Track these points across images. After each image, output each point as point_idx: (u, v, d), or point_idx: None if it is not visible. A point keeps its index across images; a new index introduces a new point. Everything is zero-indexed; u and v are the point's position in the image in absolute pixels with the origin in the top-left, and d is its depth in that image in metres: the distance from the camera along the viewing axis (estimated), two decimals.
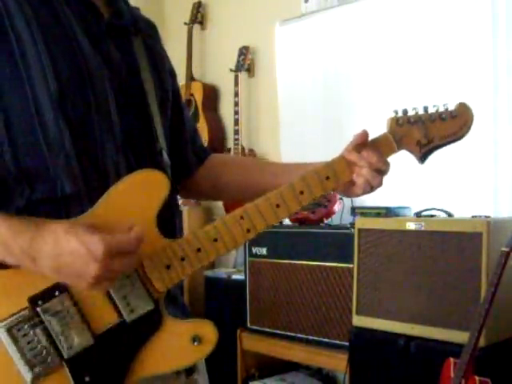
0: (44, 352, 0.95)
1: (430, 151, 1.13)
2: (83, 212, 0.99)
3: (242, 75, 3.64)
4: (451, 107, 1.11)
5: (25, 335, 0.94)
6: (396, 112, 1.13)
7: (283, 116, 3.51)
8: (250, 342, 2.98)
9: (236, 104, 3.58)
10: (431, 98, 2.82)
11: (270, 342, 2.89)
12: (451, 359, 1.88)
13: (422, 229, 2.18)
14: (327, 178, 1.10)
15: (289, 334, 2.80)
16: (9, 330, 0.94)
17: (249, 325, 2.97)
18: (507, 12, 2.59)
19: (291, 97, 3.47)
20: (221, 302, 3.18)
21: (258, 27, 3.65)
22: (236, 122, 3.59)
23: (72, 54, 1.00)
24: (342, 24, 3.20)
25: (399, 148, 1.12)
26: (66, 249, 0.90)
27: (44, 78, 0.97)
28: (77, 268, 0.90)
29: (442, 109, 1.11)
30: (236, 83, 3.59)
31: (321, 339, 2.67)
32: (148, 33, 1.21)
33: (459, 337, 1.98)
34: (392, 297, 2.26)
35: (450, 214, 2.42)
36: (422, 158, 1.13)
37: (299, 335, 2.76)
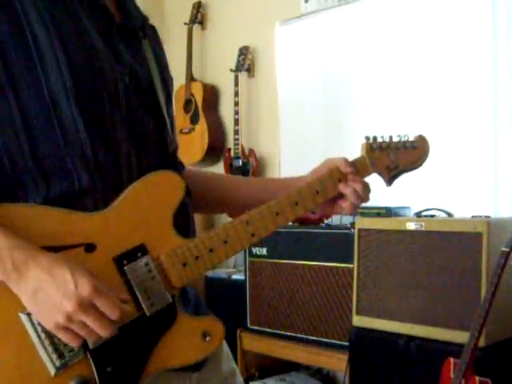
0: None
1: (396, 175, 1.26)
2: (96, 207, 1.01)
3: (242, 75, 3.65)
4: (411, 138, 1.25)
5: None
6: (368, 138, 1.25)
7: (283, 116, 3.51)
8: (250, 342, 2.98)
9: (236, 104, 3.58)
10: (431, 98, 2.82)
11: (269, 342, 2.89)
12: (451, 359, 1.88)
13: (422, 229, 2.18)
14: (317, 191, 1.20)
15: (289, 334, 2.80)
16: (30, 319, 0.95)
17: (249, 325, 2.97)
18: (507, 12, 2.60)
19: (291, 97, 3.48)
20: (221, 302, 3.18)
21: (258, 27, 3.65)
22: (236, 122, 3.59)
23: (86, 51, 1.02)
24: (341, 24, 3.20)
25: (373, 170, 1.23)
26: (56, 274, 0.90)
27: (59, 73, 0.99)
28: (53, 298, 0.90)
29: (404, 139, 1.25)
30: (236, 83, 3.59)
31: (321, 339, 2.67)
32: (152, 36, 1.24)
33: (459, 337, 1.98)
34: (392, 297, 2.26)
35: (449, 214, 2.42)
36: (390, 181, 1.25)
37: (299, 335, 2.76)
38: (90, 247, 0.99)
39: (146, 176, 1.05)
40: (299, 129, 3.41)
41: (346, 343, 2.42)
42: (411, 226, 2.21)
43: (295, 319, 2.78)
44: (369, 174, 1.23)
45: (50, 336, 0.95)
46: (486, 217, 2.23)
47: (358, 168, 1.23)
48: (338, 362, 2.55)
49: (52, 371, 0.96)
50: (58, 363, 0.96)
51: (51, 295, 0.90)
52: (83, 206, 1.01)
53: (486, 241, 2.01)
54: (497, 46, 2.62)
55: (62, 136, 1.00)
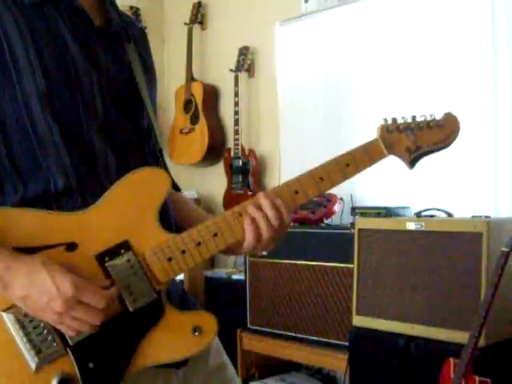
0: (49, 338, 0.98)
1: (419, 157, 1.18)
2: (74, 208, 1.03)
3: (242, 75, 3.65)
4: (438, 117, 1.17)
5: (31, 321, 0.97)
6: (386, 120, 1.18)
7: (283, 116, 3.51)
8: (250, 342, 2.98)
9: (236, 104, 3.58)
10: (431, 97, 2.82)
11: (269, 342, 2.89)
12: (451, 359, 1.88)
13: (422, 229, 2.18)
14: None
15: (289, 334, 2.80)
16: (16, 316, 0.97)
17: (249, 325, 2.97)
18: (507, 12, 2.60)
19: (291, 97, 3.48)
20: (221, 302, 3.18)
21: (258, 27, 3.65)
22: (236, 122, 3.59)
23: (60, 56, 1.05)
24: (342, 24, 3.20)
25: (389, 153, 1.17)
26: (37, 282, 0.93)
27: (33, 78, 1.02)
28: (42, 302, 0.93)
29: (429, 118, 1.17)
30: (236, 83, 3.59)
31: (321, 339, 2.67)
32: (139, 39, 1.26)
33: (459, 337, 1.98)
34: (392, 297, 2.26)
35: (450, 214, 2.42)
36: (412, 163, 1.18)
37: (299, 335, 2.76)
38: (71, 246, 1.01)
39: (130, 173, 1.06)
40: (299, 129, 3.42)
41: (346, 343, 2.42)
42: (411, 225, 2.21)
43: (295, 319, 2.78)
44: (384, 156, 1.17)
45: (27, 333, 0.97)
46: (486, 217, 2.23)
47: (370, 152, 1.16)
48: (338, 362, 2.55)
49: (33, 367, 0.98)
50: (36, 359, 0.98)
51: (38, 301, 0.93)
52: (60, 207, 1.03)
53: (485, 241, 2.01)
54: (497, 46, 2.62)
55: (36, 140, 1.03)
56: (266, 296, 2.90)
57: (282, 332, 2.83)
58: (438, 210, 2.43)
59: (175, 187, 1.23)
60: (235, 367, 3.10)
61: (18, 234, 0.99)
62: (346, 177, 1.16)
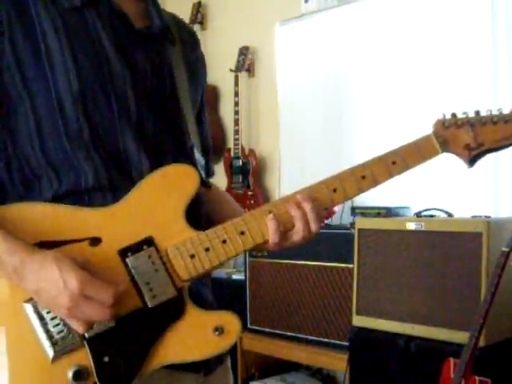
0: (66, 330, 0.99)
1: (480, 155, 1.10)
2: (106, 205, 1.05)
3: (242, 75, 3.65)
4: (505, 111, 1.08)
5: (49, 312, 0.99)
6: (444, 115, 1.11)
7: (283, 116, 3.52)
8: (250, 342, 2.98)
9: (236, 104, 3.58)
10: (431, 97, 2.82)
11: (269, 342, 2.89)
12: (451, 359, 1.88)
13: (422, 229, 2.18)
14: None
15: (289, 334, 2.80)
16: (35, 307, 1.00)
17: (249, 325, 2.97)
18: (507, 12, 2.60)
19: (291, 97, 3.48)
20: (221, 302, 3.17)
21: (258, 27, 3.65)
22: (236, 122, 3.59)
23: (95, 58, 1.08)
24: (342, 24, 3.20)
25: (444, 151, 1.10)
26: (46, 276, 0.95)
27: (67, 78, 1.05)
28: (52, 296, 0.95)
29: (495, 112, 1.08)
30: (236, 83, 3.59)
31: (321, 339, 2.67)
32: (187, 41, 1.28)
33: (459, 337, 1.98)
34: (392, 297, 2.26)
35: (450, 214, 2.42)
36: (471, 162, 1.10)
37: (299, 335, 2.76)
38: (95, 241, 1.02)
39: (159, 169, 1.07)
40: (299, 129, 3.42)
41: (346, 343, 2.42)
42: (411, 226, 2.21)
43: (295, 319, 2.78)
44: (437, 154, 1.10)
45: (45, 324, 0.99)
46: (486, 217, 2.23)
47: (421, 149, 1.10)
48: (338, 362, 2.55)
49: (50, 357, 0.99)
50: (53, 350, 0.99)
51: (49, 294, 0.95)
52: (91, 203, 1.06)
53: (485, 241, 2.01)
54: (497, 46, 2.62)
55: (68, 138, 1.06)
56: (266, 296, 2.90)
57: (282, 332, 2.83)
58: (438, 210, 2.43)
59: (204, 184, 1.22)
60: (235, 367, 3.09)
61: (44, 227, 1.02)
62: (391, 175, 1.10)
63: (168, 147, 1.14)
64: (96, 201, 1.06)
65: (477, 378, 1.81)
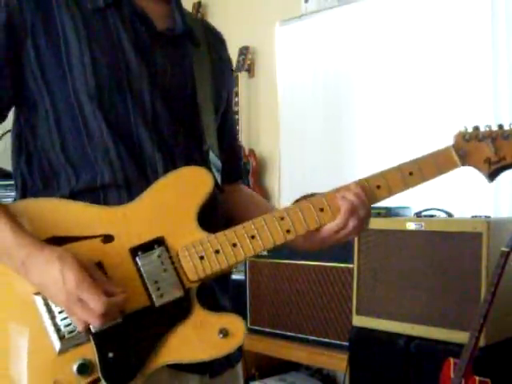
0: (73, 324, 1.01)
1: (501, 169, 1.09)
2: (120, 201, 1.07)
3: (242, 75, 3.64)
4: None
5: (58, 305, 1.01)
6: (465, 127, 1.10)
7: (283, 116, 3.51)
8: (250, 342, 2.98)
9: (236, 104, 3.58)
10: (431, 98, 2.82)
11: (269, 342, 2.89)
12: (451, 359, 1.88)
13: (422, 229, 2.18)
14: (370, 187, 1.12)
15: (289, 333, 2.80)
16: (45, 299, 1.02)
17: (249, 325, 2.97)
18: (507, 12, 2.60)
19: (291, 97, 3.47)
20: None
21: (258, 27, 3.65)
22: (236, 122, 3.58)
23: (114, 57, 1.10)
24: (342, 24, 3.20)
25: (464, 164, 1.10)
26: (48, 273, 0.98)
27: (84, 77, 1.08)
28: (52, 292, 0.99)
29: None
30: (236, 83, 3.59)
31: (321, 339, 2.67)
32: (213, 43, 1.29)
33: (459, 337, 1.98)
34: (392, 297, 2.26)
35: (450, 214, 2.42)
36: (491, 176, 1.09)
37: (299, 335, 2.76)
38: (107, 238, 1.05)
39: (173, 171, 1.09)
40: (299, 129, 3.41)
41: (346, 343, 2.42)
42: (411, 225, 2.21)
43: (295, 319, 2.78)
44: (456, 167, 1.11)
45: (53, 317, 1.02)
46: (486, 217, 2.23)
47: (440, 161, 1.11)
48: (338, 362, 2.54)
49: (56, 349, 1.01)
50: (59, 343, 1.01)
51: (49, 290, 0.98)
52: (107, 201, 1.08)
53: (485, 241, 2.01)
54: (497, 46, 2.62)
55: (86, 135, 1.09)
56: (265, 296, 2.90)
57: (282, 332, 2.83)
58: (438, 210, 2.43)
59: (218, 187, 1.22)
60: None
61: (58, 223, 1.05)
62: (407, 186, 1.11)
63: (183, 148, 1.15)
64: (111, 198, 1.08)
65: (477, 377, 1.81)
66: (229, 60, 1.36)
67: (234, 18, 3.81)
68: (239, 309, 2.97)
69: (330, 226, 1.10)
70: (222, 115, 1.31)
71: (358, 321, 2.36)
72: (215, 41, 1.32)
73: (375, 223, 2.36)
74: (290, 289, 2.79)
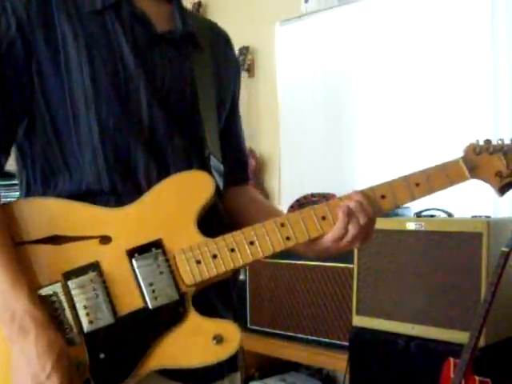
0: (66, 323, 1.00)
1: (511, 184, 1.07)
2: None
3: (242, 75, 3.63)
4: None
5: (53, 302, 1.01)
6: (477, 140, 1.09)
7: (283, 116, 3.51)
8: (250, 342, 2.98)
9: None
10: (431, 98, 2.82)
11: (269, 342, 2.89)
12: (451, 359, 1.89)
13: (422, 229, 2.18)
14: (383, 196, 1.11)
15: (289, 334, 2.80)
16: (40, 298, 1.01)
17: (249, 325, 2.97)
18: (507, 12, 2.60)
19: (291, 97, 3.47)
20: None
21: (258, 27, 3.65)
22: None
23: (111, 63, 1.08)
24: (342, 24, 3.20)
25: (473, 177, 1.08)
26: (32, 359, 0.94)
27: (81, 80, 1.07)
28: (21, 378, 0.95)
29: None
30: None
31: (321, 339, 2.67)
32: (218, 46, 1.27)
33: (459, 337, 1.98)
34: (392, 297, 2.26)
35: (450, 214, 2.42)
36: (502, 190, 1.07)
37: (299, 335, 2.76)
38: (105, 239, 1.04)
39: (175, 174, 1.09)
40: (299, 129, 3.41)
41: (346, 343, 2.42)
42: (411, 225, 2.21)
43: (295, 319, 2.78)
44: (465, 179, 1.09)
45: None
46: (486, 217, 2.23)
47: (449, 173, 1.08)
48: (338, 362, 2.55)
49: None
50: None
51: (19, 372, 0.95)
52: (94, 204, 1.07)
53: (485, 241, 2.01)
54: (497, 46, 2.62)
55: (77, 139, 1.08)
56: (266, 296, 2.90)
57: (282, 332, 2.83)
58: (438, 210, 2.43)
59: (219, 192, 1.21)
60: None
61: (58, 222, 1.04)
62: (413, 197, 1.09)
63: (181, 155, 1.13)
64: (99, 204, 1.07)
65: (477, 377, 1.81)
66: (235, 60, 1.35)
67: (234, 18, 3.81)
68: (239, 309, 2.97)
69: (332, 234, 1.09)
70: (227, 118, 1.30)
71: (358, 321, 2.36)
72: (220, 41, 1.30)
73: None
74: (289, 289, 2.79)
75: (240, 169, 1.35)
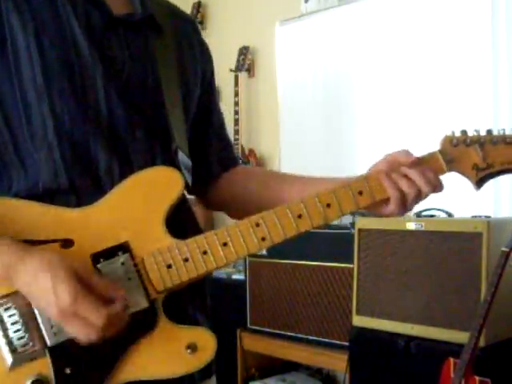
0: (27, 337, 0.92)
1: (488, 177, 1.04)
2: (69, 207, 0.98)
3: (242, 75, 3.65)
4: None
5: (11, 316, 0.92)
6: (453, 132, 1.05)
7: (283, 116, 3.52)
8: (250, 342, 2.98)
9: (236, 104, 3.58)
10: (431, 97, 2.82)
11: (269, 341, 2.89)
12: (451, 359, 1.88)
13: (422, 229, 2.18)
14: (360, 192, 1.03)
15: (289, 333, 2.80)
16: None
17: (249, 325, 2.97)
18: (507, 12, 2.60)
19: (291, 97, 3.48)
20: (221, 302, 3.17)
21: (258, 27, 3.65)
22: (236, 122, 3.59)
23: (64, 50, 1.00)
24: (342, 24, 3.20)
25: (450, 169, 1.05)
26: (39, 283, 0.87)
27: (31, 71, 0.98)
28: (43, 304, 0.89)
29: (508, 132, 1.01)
30: (236, 83, 3.59)
31: (321, 339, 2.67)
32: (182, 32, 1.18)
33: (459, 337, 1.98)
34: (392, 297, 2.26)
35: (450, 214, 2.42)
36: (479, 183, 1.04)
37: (299, 335, 2.76)
38: (67, 243, 0.96)
39: (140, 171, 1.00)
40: (299, 129, 3.42)
41: (346, 343, 2.42)
42: (411, 226, 2.21)
43: (295, 319, 2.78)
44: (442, 173, 1.06)
45: (5, 329, 0.92)
46: (486, 217, 2.23)
47: (427, 166, 1.05)
48: (338, 362, 2.55)
49: (8, 364, 0.92)
50: (11, 357, 0.92)
51: (39, 302, 0.89)
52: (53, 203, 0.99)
53: (485, 241, 2.01)
54: (497, 46, 2.62)
55: (29, 134, 0.98)
56: (266, 296, 2.90)
57: (282, 332, 2.83)
58: (438, 209, 2.43)
59: (188, 189, 1.13)
60: (235, 367, 3.09)
61: (15, 226, 0.95)
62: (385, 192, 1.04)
63: (145, 149, 1.04)
64: (58, 203, 0.98)
65: (477, 377, 1.81)
66: (201, 43, 1.22)
67: (234, 18, 3.82)
68: (239, 309, 2.97)
69: (392, 203, 1.04)
70: (203, 106, 1.19)
71: (358, 321, 2.36)
72: (183, 25, 1.19)
73: (375, 223, 2.36)
74: (289, 289, 2.79)
75: (227, 152, 1.26)
